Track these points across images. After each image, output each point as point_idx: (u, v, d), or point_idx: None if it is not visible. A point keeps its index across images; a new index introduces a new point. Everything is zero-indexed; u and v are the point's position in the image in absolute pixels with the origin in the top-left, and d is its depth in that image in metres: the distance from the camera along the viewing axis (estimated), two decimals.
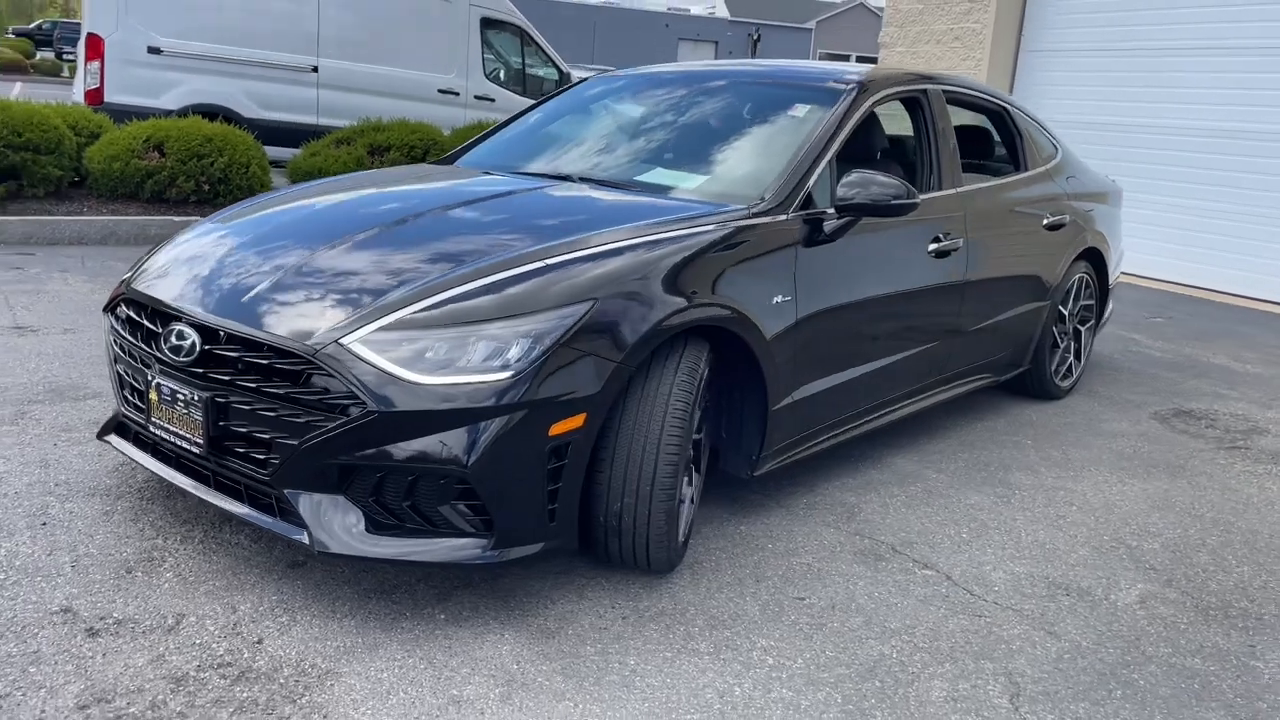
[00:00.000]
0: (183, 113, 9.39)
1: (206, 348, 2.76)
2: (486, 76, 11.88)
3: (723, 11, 65.67)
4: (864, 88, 3.96)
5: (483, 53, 11.81)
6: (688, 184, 3.66)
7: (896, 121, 4.61)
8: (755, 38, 59.77)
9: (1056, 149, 5.25)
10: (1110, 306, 5.70)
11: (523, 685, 2.45)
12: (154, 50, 9.94)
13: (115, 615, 2.61)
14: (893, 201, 3.47)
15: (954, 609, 2.99)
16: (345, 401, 2.55)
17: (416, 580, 2.91)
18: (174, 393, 2.80)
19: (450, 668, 2.51)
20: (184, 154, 8.16)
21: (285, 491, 2.65)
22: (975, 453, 4.35)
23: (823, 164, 3.60)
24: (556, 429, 2.63)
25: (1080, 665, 2.74)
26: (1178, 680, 2.70)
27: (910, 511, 3.68)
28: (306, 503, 2.64)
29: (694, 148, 3.97)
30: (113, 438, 3.20)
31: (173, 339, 2.82)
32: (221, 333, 2.76)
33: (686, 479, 3.06)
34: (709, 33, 62.71)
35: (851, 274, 3.62)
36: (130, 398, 3.09)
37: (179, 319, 2.86)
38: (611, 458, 2.79)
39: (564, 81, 12.26)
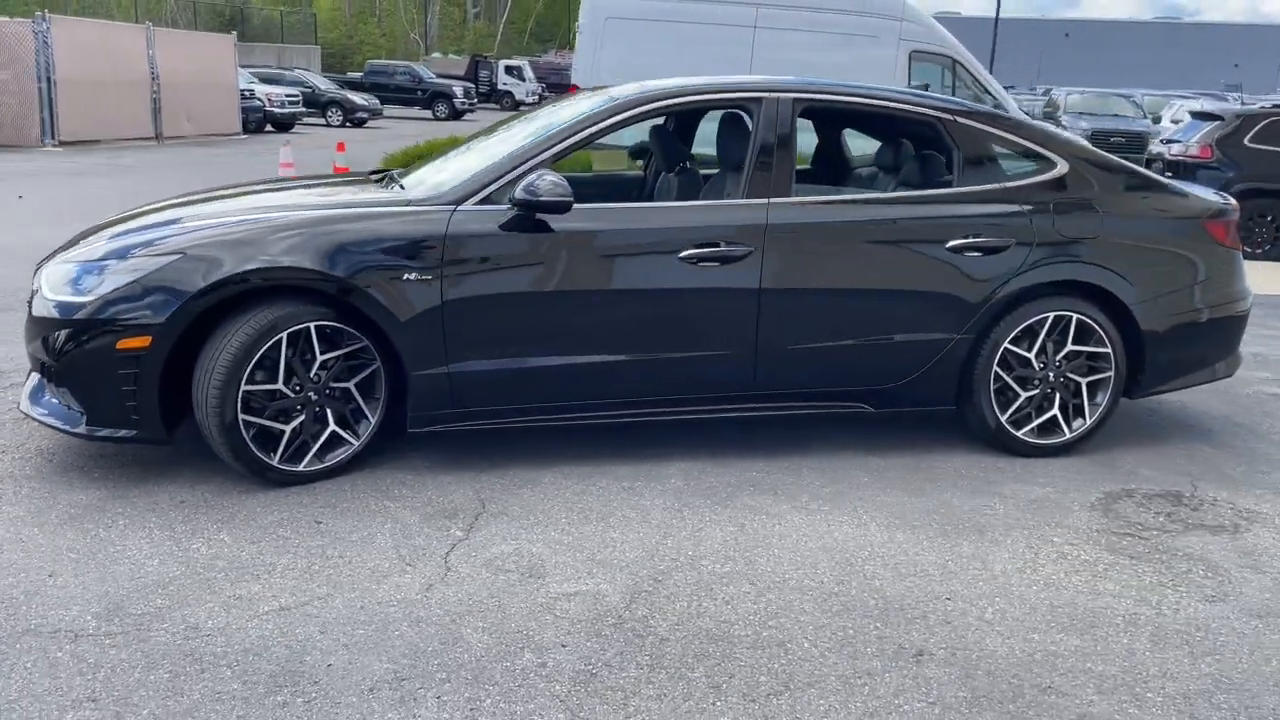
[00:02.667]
0: (633, 154, 11.19)
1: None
2: None
3: None
4: (616, 104, 4.15)
5: (909, 82, 11.91)
6: (430, 181, 4.23)
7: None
8: None
9: (1055, 163, 4.44)
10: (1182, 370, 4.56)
11: None
12: None
13: None
14: (541, 199, 3.77)
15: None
16: None
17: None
18: None
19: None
20: None
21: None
22: (837, 484, 4.13)
23: (524, 166, 3.95)
24: (124, 344, 3.63)
25: None
26: None
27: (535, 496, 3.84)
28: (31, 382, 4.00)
29: (479, 153, 4.44)
30: None
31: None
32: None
33: (307, 417, 3.79)
34: None
35: (542, 267, 3.91)
36: None
37: None
38: (195, 378, 3.68)
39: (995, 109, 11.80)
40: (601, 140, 4.15)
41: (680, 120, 5.42)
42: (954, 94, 12.25)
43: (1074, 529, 3.76)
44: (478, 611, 3.00)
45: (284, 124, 26.03)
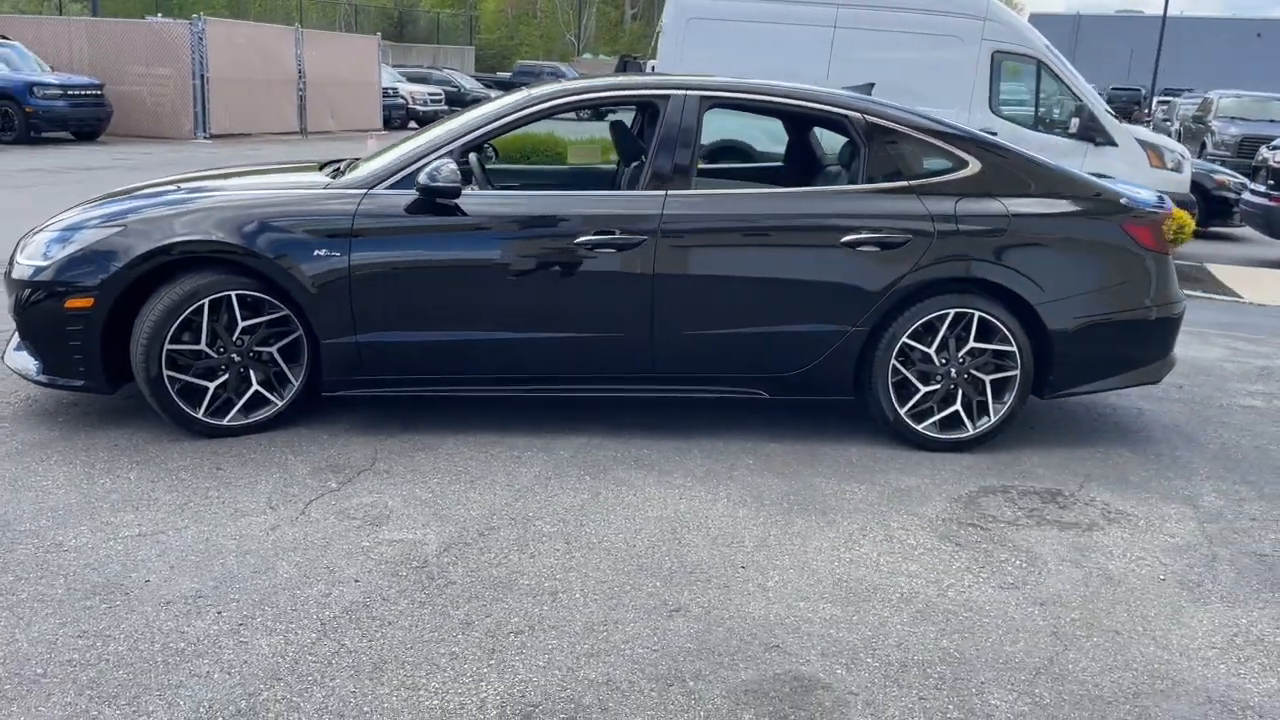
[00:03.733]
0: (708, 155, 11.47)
1: None
2: (993, 112, 11.73)
3: None
4: (524, 100, 4.48)
5: (992, 87, 11.70)
6: (366, 167, 4.62)
7: None
8: None
9: (967, 162, 4.48)
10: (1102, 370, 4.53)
11: None
12: None
13: None
14: (437, 184, 4.12)
15: None
16: None
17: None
18: None
19: None
20: None
21: None
22: (713, 460, 4.35)
23: (435, 154, 4.30)
24: (70, 304, 4.16)
25: None
26: None
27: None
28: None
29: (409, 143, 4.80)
30: None
31: None
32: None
33: (230, 376, 4.26)
34: None
35: (444, 248, 4.26)
36: None
37: None
38: (132, 337, 4.20)
39: (1079, 113, 11.46)
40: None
41: (644, 116, 5.67)
42: (1038, 97, 11.97)
43: (920, 517, 3.84)
44: (301, 549, 3.37)
45: (426, 121, 27.26)
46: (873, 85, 5.28)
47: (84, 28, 21.02)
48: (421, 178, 4.18)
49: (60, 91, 17.95)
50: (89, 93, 18.58)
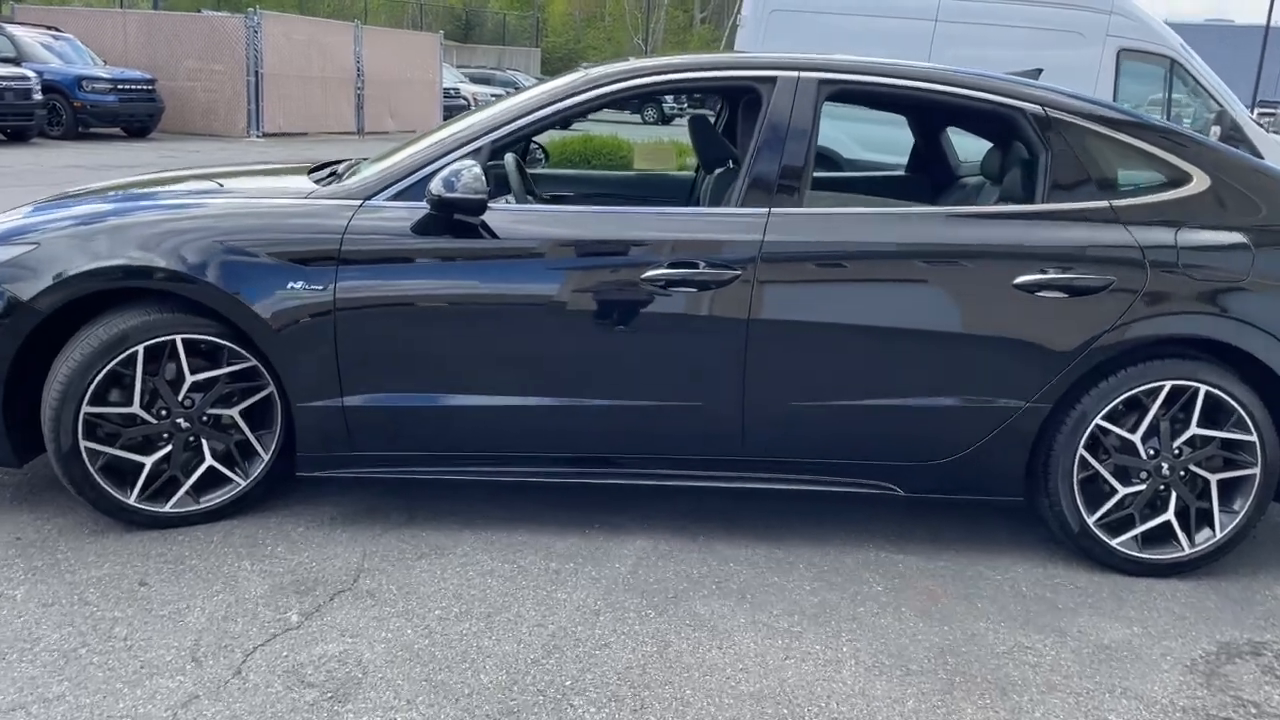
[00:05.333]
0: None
1: None
2: None
3: None
4: (587, 81, 3.30)
5: (1116, 90, 10.29)
6: (365, 171, 3.48)
7: None
8: None
9: (1191, 176, 3.22)
10: None
11: None
12: None
13: None
14: (456, 195, 2.97)
15: None
16: None
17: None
18: None
19: None
20: None
21: None
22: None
23: (453, 155, 3.15)
24: None
25: None
26: None
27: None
28: None
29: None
30: None
31: None
32: None
33: (175, 448, 3.14)
34: None
35: (466, 281, 3.11)
36: None
37: None
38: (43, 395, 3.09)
39: (1220, 120, 10.02)
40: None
41: (733, 110, 4.47)
42: (1169, 99, 10.54)
43: (1146, 702, 2.58)
44: None
45: None
46: (1040, 71, 4.02)
47: (138, 21, 20.41)
48: (434, 185, 3.02)
49: (110, 86, 17.22)
50: (140, 87, 17.84)
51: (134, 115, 17.77)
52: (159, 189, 3.53)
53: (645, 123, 34.01)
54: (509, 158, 3.81)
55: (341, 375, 3.11)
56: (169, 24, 20.20)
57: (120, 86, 17.42)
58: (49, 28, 18.42)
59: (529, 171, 4.45)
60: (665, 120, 34.05)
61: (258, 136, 19.29)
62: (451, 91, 25.49)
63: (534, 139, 4.64)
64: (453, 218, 3.06)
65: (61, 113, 16.76)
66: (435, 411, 3.17)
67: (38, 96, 15.47)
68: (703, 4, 61.74)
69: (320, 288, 3.06)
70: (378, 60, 22.13)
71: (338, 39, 21.51)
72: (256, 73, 19.26)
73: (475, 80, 28.98)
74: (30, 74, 15.47)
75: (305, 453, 3.21)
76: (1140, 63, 10.48)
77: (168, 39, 19.61)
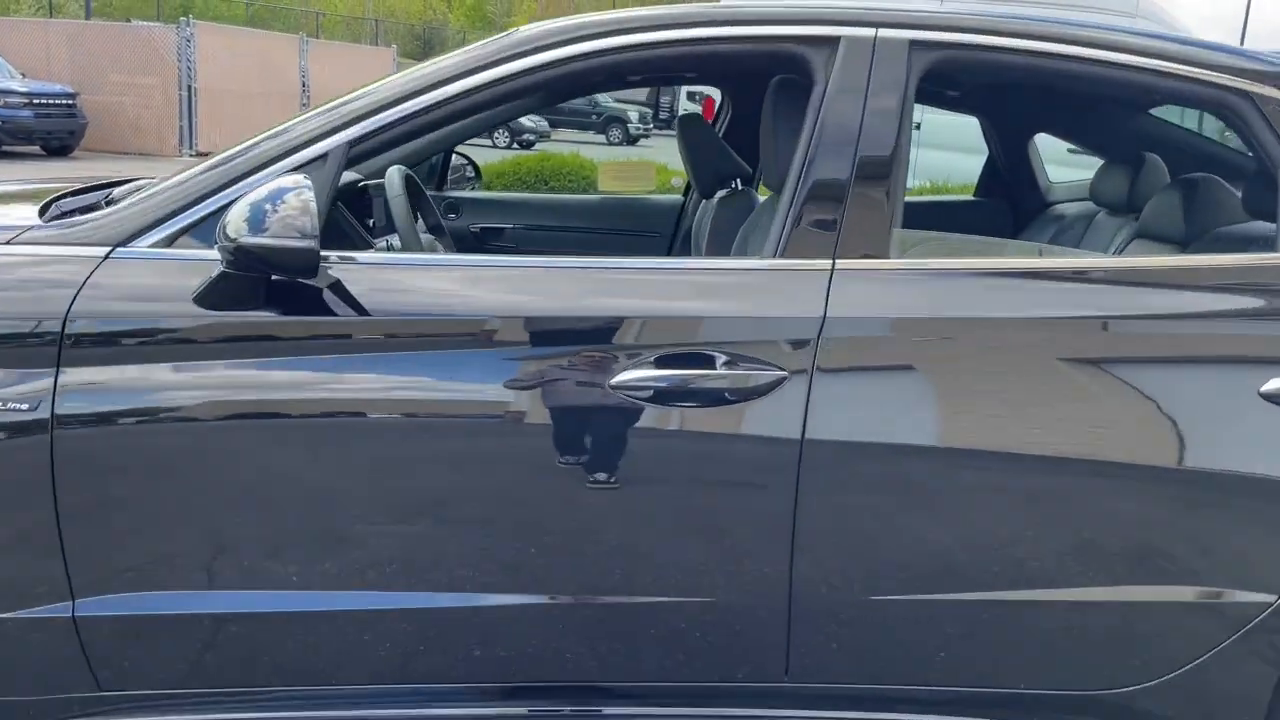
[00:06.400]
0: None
1: None
2: None
3: None
4: (522, 42, 1.91)
5: None
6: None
7: None
8: None
9: None
10: None
11: None
12: None
13: None
14: (259, 240, 1.59)
15: None
16: None
17: None
18: None
19: None
20: None
21: None
22: None
23: (266, 169, 1.78)
24: None
25: None
26: None
27: None
28: None
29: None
30: None
31: None
32: None
33: None
34: None
35: (296, 394, 1.73)
36: None
37: None
38: None
39: None
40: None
41: (746, 101, 3.15)
42: (1202, 118, 9.41)
43: None
44: None
45: None
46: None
47: (62, 31, 18.89)
48: (231, 222, 1.64)
49: (25, 101, 15.76)
50: (60, 102, 16.37)
51: (52, 132, 16.30)
52: None
53: (610, 143, 32.81)
54: (394, 173, 2.40)
55: (70, 561, 1.73)
56: (96, 35, 18.71)
57: (36, 101, 15.96)
58: None
59: (449, 195, 3.10)
60: (631, 140, 32.83)
61: (191, 154, 17.83)
62: None
63: (456, 150, 3.30)
64: (269, 277, 1.69)
65: None
66: (243, 621, 1.79)
67: None
68: None
69: (23, 403, 1.68)
70: (326, 75, 20.75)
71: (282, 53, 20.13)
72: (189, 87, 17.84)
73: None
74: None
75: (23, 695, 1.81)
76: None
77: (94, 51, 18.13)
